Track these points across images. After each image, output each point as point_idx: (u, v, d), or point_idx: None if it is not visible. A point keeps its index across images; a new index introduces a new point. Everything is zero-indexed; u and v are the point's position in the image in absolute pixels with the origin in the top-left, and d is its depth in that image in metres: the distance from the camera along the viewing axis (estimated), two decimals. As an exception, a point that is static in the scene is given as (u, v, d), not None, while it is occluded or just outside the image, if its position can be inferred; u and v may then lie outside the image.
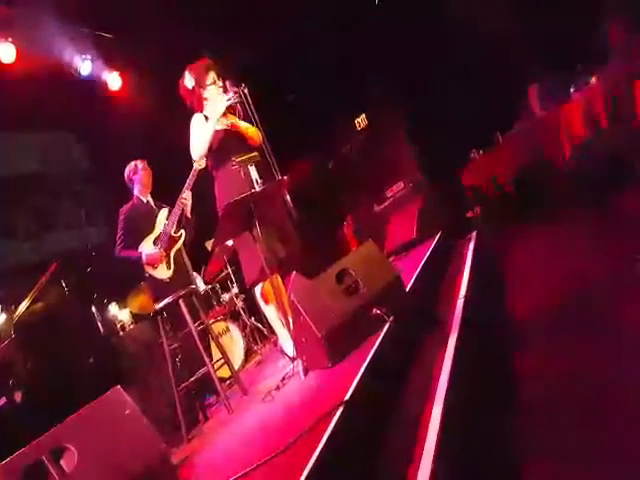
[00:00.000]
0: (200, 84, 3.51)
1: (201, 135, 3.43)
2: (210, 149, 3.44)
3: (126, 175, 3.90)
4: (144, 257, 3.60)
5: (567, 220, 4.31)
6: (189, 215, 3.76)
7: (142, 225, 3.75)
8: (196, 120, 3.52)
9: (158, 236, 3.68)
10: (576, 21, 5.90)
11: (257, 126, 3.43)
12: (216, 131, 3.41)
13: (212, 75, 3.52)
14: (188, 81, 3.54)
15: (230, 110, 3.52)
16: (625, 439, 1.51)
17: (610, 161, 4.80)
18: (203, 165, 3.47)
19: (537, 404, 1.90)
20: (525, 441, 1.69)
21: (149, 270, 3.63)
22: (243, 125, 3.51)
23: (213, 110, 3.44)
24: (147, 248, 3.64)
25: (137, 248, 3.66)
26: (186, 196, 3.63)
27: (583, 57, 5.87)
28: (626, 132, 4.91)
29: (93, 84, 5.95)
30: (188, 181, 3.54)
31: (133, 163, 3.89)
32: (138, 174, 3.87)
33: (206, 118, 3.47)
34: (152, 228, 3.73)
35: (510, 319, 2.90)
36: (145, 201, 3.89)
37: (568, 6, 5.95)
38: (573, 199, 4.83)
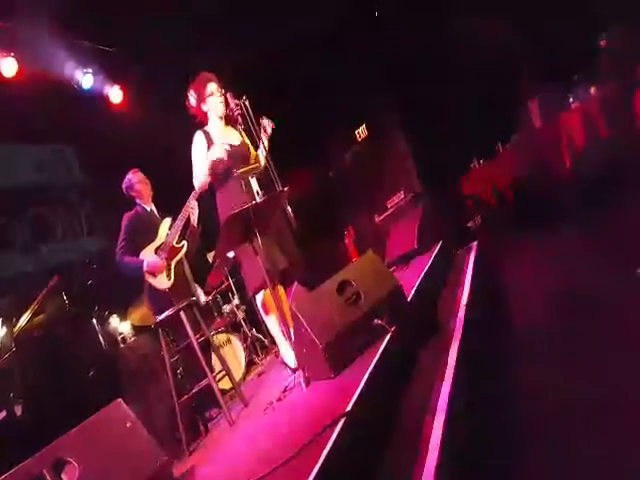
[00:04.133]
0: (201, 99, 3.52)
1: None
2: None
3: (124, 189, 3.93)
4: (145, 265, 3.60)
5: (567, 230, 4.30)
6: (195, 224, 3.76)
7: (144, 233, 3.76)
8: (197, 142, 3.47)
9: (160, 245, 3.69)
10: (574, 31, 5.95)
11: (257, 136, 3.43)
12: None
13: (210, 86, 3.50)
14: (192, 99, 3.56)
15: (231, 123, 3.53)
16: (624, 450, 1.50)
17: (610, 170, 4.81)
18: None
19: (537, 415, 1.88)
20: (525, 451, 1.68)
21: (149, 279, 3.63)
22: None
23: (214, 127, 3.45)
24: (148, 256, 3.64)
25: (138, 255, 3.66)
26: (192, 205, 3.64)
27: (580, 67, 5.91)
28: (626, 141, 4.93)
29: (94, 97, 5.99)
30: (194, 191, 3.55)
31: (127, 177, 3.92)
32: (133, 187, 3.89)
33: (205, 133, 3.47)
34: (154, 237, 3.74)
35: (510, 329, 2.89)
36: (148, 210, 3.90)
37: (567, 16, 6.00)
38: (573, 208, 4.83)
